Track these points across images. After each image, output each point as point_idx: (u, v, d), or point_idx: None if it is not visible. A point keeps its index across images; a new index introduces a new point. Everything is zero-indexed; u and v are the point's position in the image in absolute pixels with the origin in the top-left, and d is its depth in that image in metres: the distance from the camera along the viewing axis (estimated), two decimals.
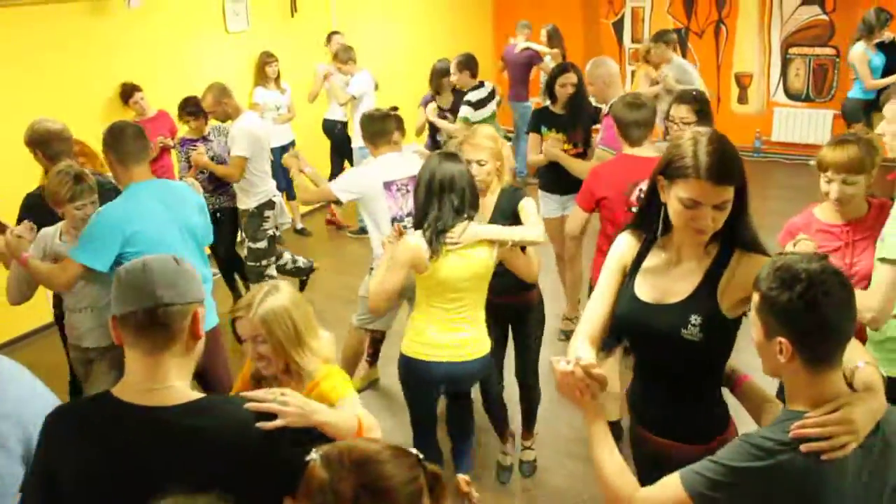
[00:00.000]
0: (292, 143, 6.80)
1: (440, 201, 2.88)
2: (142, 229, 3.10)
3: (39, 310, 5.48)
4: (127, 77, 5.86)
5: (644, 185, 3.27)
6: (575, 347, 2.02)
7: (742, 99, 9.40)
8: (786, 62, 9.02)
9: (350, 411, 2.02)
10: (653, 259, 2.06)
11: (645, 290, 2.04)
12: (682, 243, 1.99)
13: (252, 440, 1.56)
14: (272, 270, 5.16)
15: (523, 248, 3.17)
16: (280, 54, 6.93)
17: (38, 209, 3.44)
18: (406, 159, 4.06)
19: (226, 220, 5.33)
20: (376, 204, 3.88)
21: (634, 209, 3.29)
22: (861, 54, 6.77)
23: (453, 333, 2.96)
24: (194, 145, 5.40)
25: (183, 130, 5.68)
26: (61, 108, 4.74)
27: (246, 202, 5.08)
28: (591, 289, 3.58)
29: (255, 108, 6.70)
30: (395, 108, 4.30)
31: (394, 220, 3.86)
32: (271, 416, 1.62)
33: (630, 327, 2.08)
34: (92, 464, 1.52)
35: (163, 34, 6.22)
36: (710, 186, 1.82)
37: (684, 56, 9.22)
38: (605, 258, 3.36)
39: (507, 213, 3.18)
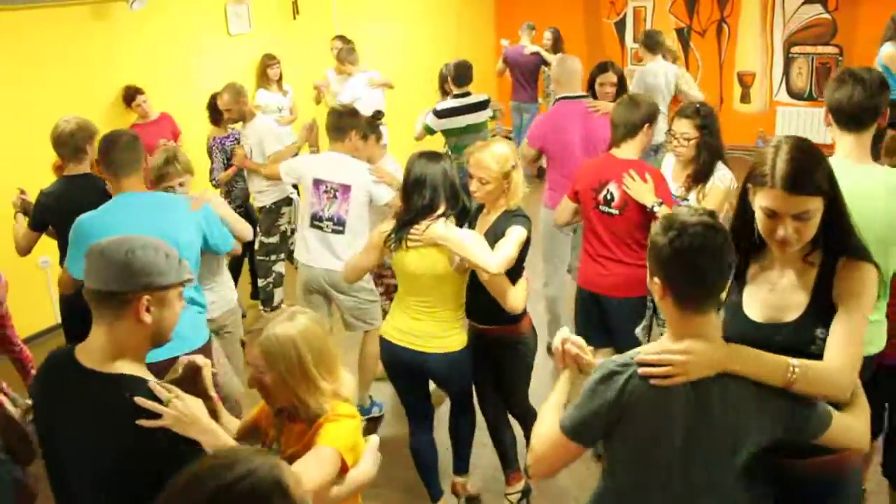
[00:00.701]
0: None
1: (410, 198, 2.98)
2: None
3: (44, 313, 5.51)
4: (129, 80, 5.88)
5: (612, 188, 3.38)
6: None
7: (744, 98, 9.39)
8: (788, 61, 9.01)
9: (305, 462, 1.83)
10: (754, 272, 1.98)
11: (755, 308, 1.95)
12: (779, 255, 1.91)
13: (128, 429, 1.69)
14: (280, 267, 5.21)
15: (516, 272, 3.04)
16: (282, 56, 6.94)
17: (55, 208, 3.59)
18: (344, 165, 3.97)
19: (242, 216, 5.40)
20: (305, 193, 4.08)
21: (602, 208, 3.41)
22: (892, 54, 6.52)
23: (414, 322, 3.06)
24: (229, 143, 5.42)
25: (192, 131, 5.70)
26: (64, 111, 4.70)
27: (263, 199, 5.13)
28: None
29: (256, 111, 6.72)
30: (379, 114, 4.29)
31: (313, 216, 3.99)
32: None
33: None
34: (47, 413, 1.86)
35: (165, 37, 6.23)
36: (786, 196, 1.76)
37: (686, 56, 9.24)
38: (584, 255, 3.56)
39: (500, 236, 2.97)
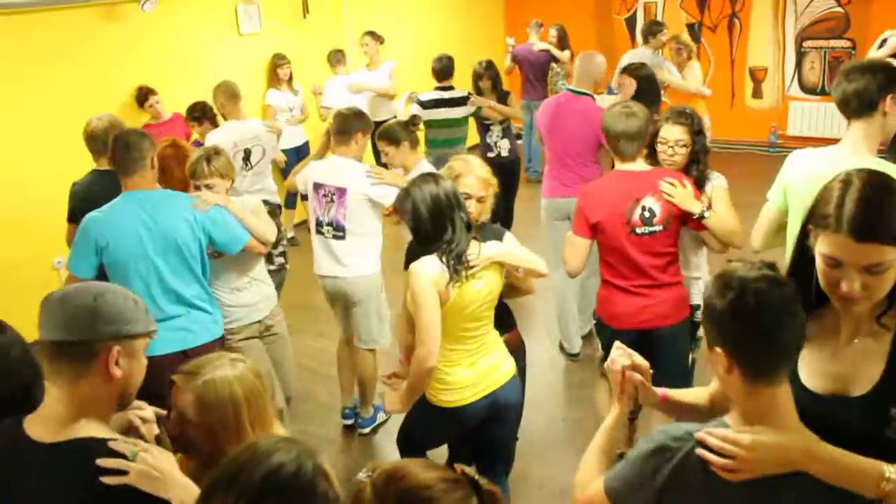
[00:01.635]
0: (306, 144, 6.84)
1: (452, 221, 2.62)
2: (114, 241, 3.04)
3: None
4: (141, 80, 5.91)
5: (650, 203, 3.02)
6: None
7: (756, 93, 9.33)
8: (800, 55, 8.94)
9: None
10: (813, 332, 1.61)
11: (814, 377, 1.62)
12: (844, 314, 1.59)
13: (96, 492, 1.50)
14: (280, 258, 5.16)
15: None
16: (292, 56, 6.97)
17: (82, 198, 3.64)
18: (341, 168, 3.85)
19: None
20: (309, 203, 3.96)
21: (640, 230, 3.04)
22: None
23: (483, 362, 2.77)
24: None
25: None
26: (78, 112, 4.75)
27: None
28: (597, 324, 3.34)
29: (267, 111, 6.75)
30: (416, 118, 4.24)
31: (316, 223, 3.89)
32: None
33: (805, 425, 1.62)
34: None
35: (176, 37, 6.26)
36: (854, 244, 1.46)
37: (697, 51, 9.16)
38: (610, 291, 3.16)
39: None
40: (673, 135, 3.20)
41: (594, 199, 3.11)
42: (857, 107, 2.53)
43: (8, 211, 5.14)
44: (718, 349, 1.46)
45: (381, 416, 4.26)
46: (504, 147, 5.99)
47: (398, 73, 7.19)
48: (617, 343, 1.82)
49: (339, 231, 3.84)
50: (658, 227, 3.03)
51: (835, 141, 2.72)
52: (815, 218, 1.56)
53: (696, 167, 3.25)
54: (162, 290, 3.11)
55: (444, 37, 9.01)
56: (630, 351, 1.80)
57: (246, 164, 4.95)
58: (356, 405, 4.24)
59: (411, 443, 2.99)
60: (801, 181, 2.68)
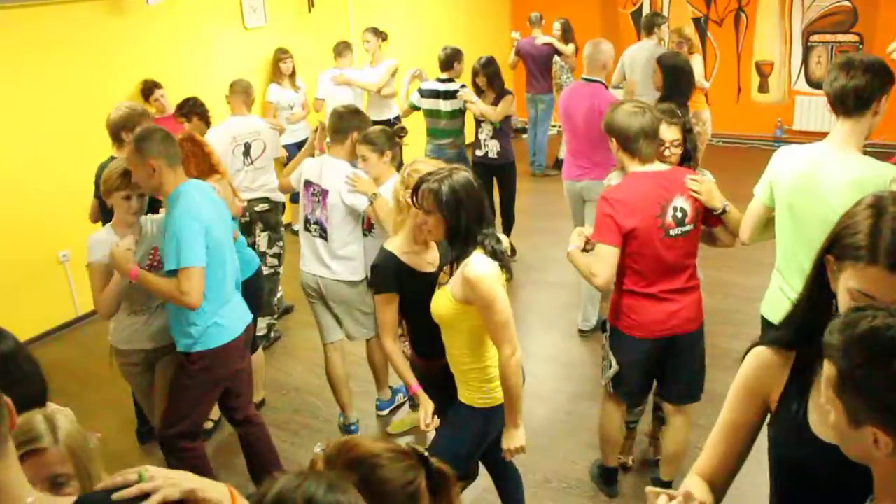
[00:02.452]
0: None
1: (483, 212, 2.56)
2: (209, 222, 3.04)
3: (64, 306, 5.57)
4: (147, 74, 5.91)
5: (681, 203, 2.90)
6: (685, 483, 1.60)
7: (763, 88, 9.28)
8: (807, 50, 8.90)
9: None
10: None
11: (826, 425, 1.37)
12: None
13: None
14: (275, 259, 5.18)
15: None
16: (297, 49, 6.96)
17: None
18: (330, 168, 3.77)
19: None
20: (300, 196, 3.95)
21: (673, 232, 2.90)
22: None
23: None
24: None
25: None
26: (83, 106, 4.79)
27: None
28: (612, 336, 3.13)
29: (268, 107, 6.72)
30: (402, 130, 4.12)
31: (305, 219, 3.87)
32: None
33: (812, 477, 1.45)
34: None
35: (181, 31, 6.26)
36: (891, 276, 1.33)
37: (703, 46, 9.15)
38: (635, 299, 3.01)
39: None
40: (670, 135, 3.15)
41: (624, 205, 2.87)
42: (854, 104, 2.51)
43: (13, 205, 5.16)
44: (877, 430, 1.17)
45: (399, 397, 4.34)
46: (493, 147, 5.90)
47: (399, 70, 7.08)
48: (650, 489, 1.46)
49: (323, 231, 3.81)
50: (690, 227, 2.94)
51: None
52: (840, 248, 1.40)
53: (688, 164, 3.22)
54: (232, 270, 3.22)
55: (450, 31, 8.99)
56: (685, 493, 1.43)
57: (246, 159, 4.93)
58: (357, 421, 4.14)
59: (466, 458, 2.83)
60: (786, 177, 2.68)
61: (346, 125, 3.78)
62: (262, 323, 4.97)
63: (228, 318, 3.19)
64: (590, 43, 4.91)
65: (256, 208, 4.95)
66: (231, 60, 6.56)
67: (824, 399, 1.26)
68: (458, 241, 2.54)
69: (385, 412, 4.31)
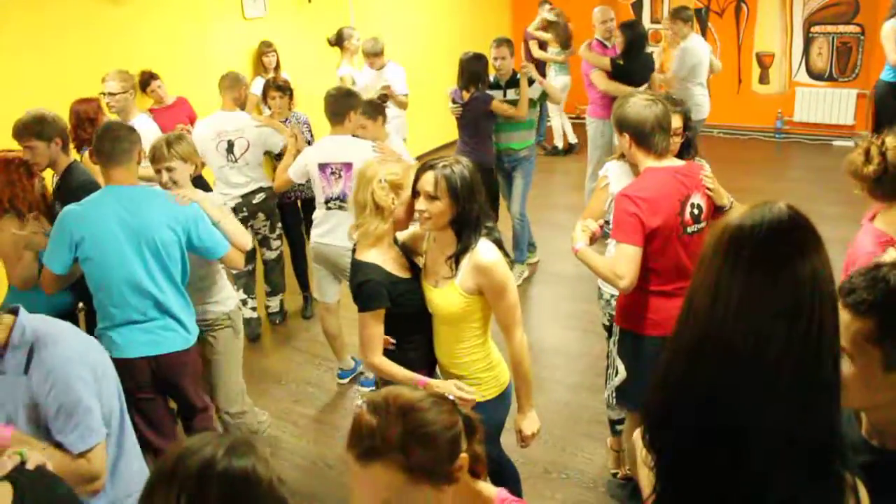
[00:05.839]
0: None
1: (480, 202, 2.51)
2: (90, 235, 2.90)
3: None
4: (145, 64, 5.89)
5: (696, 199, 2.81)
6: None
7: (763, 79, 9.27)
8: (808, 41, 8.87)
9: None
10: None
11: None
12: None
13: None
14: (278, 241, 5.20)
15: None
16: (296, 40, 6.95)
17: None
18: (344, 145, 4.10)
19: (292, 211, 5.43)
20: (314, 184, 4.15)
21: (690, 229, 2.82)
22: (890, 31, 6.52)
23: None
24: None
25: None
26: (79, 95, 4.74)
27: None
28: (623, 337, 2.99)
29: (251, 100, 6.61)
30: (385, 97, 4.35)
31: (326, 200, 4.10)
32: None
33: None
34: None
35: (180, 21, 6.24)
36: None
37: (704, 37, 9.12)
38: (649, 298, 2.83)
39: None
40: (673, 123, 2.99)
41: (650, 204, 2.74)
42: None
43: None
44: None
45: (361, 367, 4.56)
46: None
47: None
48: None
49: (343, 202, 4.05)
50: (703, 224, 2.86)
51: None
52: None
53: (688, 153, 3.11)
54: (135, 290, 2.95)
55: (451, 23, 8.97)
56: None
57: (230, 156, 4.82)
58: (354, 367, 4.57)
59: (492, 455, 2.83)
60: None
61: (343, 107, 4.13)
62: (274, 301, 5.37)
63: (125, 338, 2.98)
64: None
65: (254, 201, 4.91)
66: (230, 51, 6.54)
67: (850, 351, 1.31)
68: (467, 230, 2.48)
69: (346, 381, 4.55)
